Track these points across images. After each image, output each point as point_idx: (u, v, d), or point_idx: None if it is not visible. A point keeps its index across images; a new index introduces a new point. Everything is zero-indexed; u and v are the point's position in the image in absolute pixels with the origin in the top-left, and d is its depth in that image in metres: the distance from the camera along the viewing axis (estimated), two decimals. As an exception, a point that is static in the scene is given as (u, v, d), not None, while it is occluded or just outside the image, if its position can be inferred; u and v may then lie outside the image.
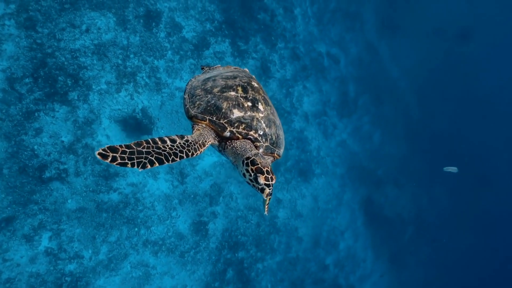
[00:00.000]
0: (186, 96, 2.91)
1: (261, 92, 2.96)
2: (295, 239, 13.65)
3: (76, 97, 9.19)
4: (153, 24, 10.88)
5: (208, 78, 3.02)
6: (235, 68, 3.46)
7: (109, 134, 9.64)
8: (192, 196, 10.84)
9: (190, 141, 2.41)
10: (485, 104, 24.84)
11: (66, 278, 8.65)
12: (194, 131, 2.64)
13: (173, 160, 2.21)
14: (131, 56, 10.23)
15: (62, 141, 8.84)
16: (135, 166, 2.03)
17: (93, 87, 9.52)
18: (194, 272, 10.96)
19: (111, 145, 2.04)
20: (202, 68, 3.74)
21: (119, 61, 9.99)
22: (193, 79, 3.18)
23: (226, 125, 2.58)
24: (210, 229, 11.24)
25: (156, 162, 2.12)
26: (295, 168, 13.89)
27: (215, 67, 3.63)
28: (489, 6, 25.87)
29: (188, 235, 10.80)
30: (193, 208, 10.86)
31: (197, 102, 2.71)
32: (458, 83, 24.43)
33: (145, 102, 10.15)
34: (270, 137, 2.76)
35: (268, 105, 2.91)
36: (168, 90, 10.69)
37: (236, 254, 11.82)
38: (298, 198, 13.98)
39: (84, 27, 9.57)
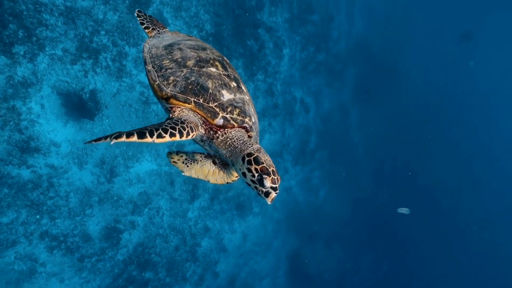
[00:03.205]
0: (149, 67, 2.26)
1: (234, 70, 2.49)
2: (211, 273, 12.83)
3: (22, 52, 8.13)
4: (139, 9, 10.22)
5: (171, 46, 2.42)
6: (189, 36, 2.87)
7: (45, 104, 8.57)
8: (115, 198, 9.83)
9: (183, 119, 1.97)
10: (432, 191, 26.21)
11: None
12: (174, 115, 2.07)
13: (159, 136, 1.77)
14: (102, 32, 9.41)
15: (-15, 95, 7.66)
16: (109, 138, 1.64)
17: (47, 49, 8.52)
18: (89, 281, 9.73)
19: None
20: (139, 16, 2.95)
21: (86, 33, 9.12)
22: (147, 45, 2.51)
23: (218, 110, 2.07)
24: (123, 239, 10.17)
25: (135, 135, 1.70)
26: (235, 200, 13.35)
27: (164, 30, 2.91)
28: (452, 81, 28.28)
29: (96, 238, 9.66)
30: (112, 211, 9.81)
31: (171, 78, 2.14)
32: (412, 165, 25.72)
33: (99, 85, 9.26)
34: (256, 125, 2.33)
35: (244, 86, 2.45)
36: (129, 80, 9.90)
37: (143, 274, 10.75)
38: (228, 232, 13.33)
39: (60, -15, 8.69)
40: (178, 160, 2.56)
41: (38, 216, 8.74)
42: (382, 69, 22.27)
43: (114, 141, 1.64)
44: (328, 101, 19.37)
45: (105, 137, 1.64)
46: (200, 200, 11.98)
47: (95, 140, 1.62)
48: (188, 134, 1.91)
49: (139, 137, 1.71)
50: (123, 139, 1.66)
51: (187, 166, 2.54)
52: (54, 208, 8.93)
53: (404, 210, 12.41)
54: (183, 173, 2.56)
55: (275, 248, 16.04)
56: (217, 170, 2.57)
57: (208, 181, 2.57)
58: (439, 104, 27.69)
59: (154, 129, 1.78)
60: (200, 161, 2.55)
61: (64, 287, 9.33)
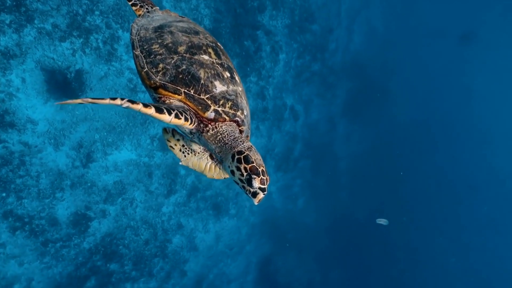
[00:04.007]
0: (137, 52, 2.07)
1: (228, 57, 2.32)
2: (179, 271, 12.57)
3: (7, 21, 7.75)
4: (137, -5, 9.94)
5: (161, 28, 2.22)
6: (181, 17, 2.65)
7: (27, 79, 8.20)
8: (89, 184, 9.49)
9: (185, 108, 1.94)
10: (410, 210, 26.61)
11: None
12: None
13: (176, 116, 1.75)
14: (96, 12, 9.10)
15: (-38, 60, 7.25)
16: (119, 100, 1.55)
17: (36, 21, 8.17)
18: (51, 267, 9.34)
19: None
20: None
21: (80, 11, 8.80)
22: (136, 26, 2.28)
23: (209, 103, 1.96)
24: (92, 227, 9.83)
25: (153, 109, 1.67)
26: (212, 200, 13.16)
27: (154, 8, 2.64)
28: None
29: (63, 223, 9.29)
30: (84, 197, 9.47)
31: (161, 65, 1.98)
32: (393, 183, 26.08)
33: (86, 66, 8.94)
34: (248, 118, 2.20)
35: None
36: (118, 65, 9.61)
37: (108, 265, 10.42)
38: (201, 231, 13.11)
39: (58, -42, 8.36)
40: (175, 145, 2.42)
41: (4, 194, 8.33)
42: (374, 88, 22.53)
43: (127, 104, 1.55)
44: (318, 112, 19.42)
45: (113, 99, 1.53)
46: (176, 196, 11.74)
47: (96, 100, 1.49)
48: (193, 123, 1.88)
49: (156, 111, 1.66)
50: (139, 107, 1.58)
51: (185, 156, 2.43)
52: (22, 187, 8.54)
53: (382, 221, 12.63)
54: (180, 163, 2.46)
55: (247, 252, 15.90)
56: (213, 166, 2.48)
57: (205, 176, 2.49)
58: (426, 129, 28.25)
59: (170, 109, 1.74)
60: (198, 153, 2.44)
61: (22, 270, 8.92)
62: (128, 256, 10.72)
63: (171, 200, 11.63)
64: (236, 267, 15.35)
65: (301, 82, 17.40)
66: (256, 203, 1.84)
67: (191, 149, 2.43)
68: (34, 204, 8.80)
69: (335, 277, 22.24)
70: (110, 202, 9.93)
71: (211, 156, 2.45)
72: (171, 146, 2.43)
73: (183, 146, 2.42)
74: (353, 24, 21.89)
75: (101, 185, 9.71)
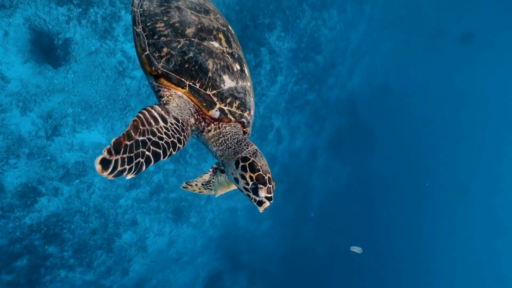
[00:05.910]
0: (139, 29, 1.78)
1: (239, 44, 2.10)
2: (120, 269, 11.88)
3: (5, -29, 7.33)
4: (150, -20, 9.69)
5: (168, 1, 1.90)
6: None
7: (10, 33, 7.72)
8: (48, 158, 8.91)
9: (180, 120, 1.64)
10: (374, 253, 26.61)
11: None
12: (164, 98, 1.69)
13: (170, 155, 1.54)
14: (103, -13, 8.78)
15: None
16: (132, 173, 1.43)
17: (36, -21, 7.77)
18: (-19, 236, 8.60)
19: (117, 139, 1.43)
20: None
21: (86, -19, 8.46)
22: None
23: (215, 100, 1.74)
24: (39, 203, 9.17)
25: (152, 159, 1.48)
26: (175, 203, 12.65)
27: None
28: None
29: (8, 192, 8.62)
30: (39, 170, 8.86)
31: (165, 49, 1.70)
32: (359, 223, 26.10)
33: (78, 37, 8.53)
34: (253, 116, 2.02)
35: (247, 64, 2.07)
36: (112, 44, 9.23)
37: (46, 246, 9.71)
38: (156, 232, 12.52)
39: None
40: (199, 189, 2.39)
41: (-49, 147, 7.68)
42: (361, 130, 22.81)
43: (135, 175, 1.47)
44: (302, 140, 19.38)
45: (128, 169, 1.44)
46: (138, 191, 11.21)
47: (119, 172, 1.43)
48: (184, 144, 1.64)
49: (156, 159, 1.50)
50: (144, 168, 1.45)
51: (211, 189, 2.41)
52: (-26, 144, 7.91)
53: (356, 249, 12.19)
54: (216, 196, 2.42)
55: (197, 264, 15.31)
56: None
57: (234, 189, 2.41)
58: (405, 180, 28.69)
59: (166, 146, 1.53)
60: (213, 179, 2.37)
61: (-51, 233, 8.17)
62: (70, 242, 10.04)
63: (131, 193, 11.09)
64: (182, 277, 14.71)
65: (293, 107, 17.37)
66: (261, 211, 1.76)
67: (207, 181, 2.38)
68: (-18, 165, 8.15)
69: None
70: (66, 181, 9.33)
71: (221, 171, 2.31)
72: (199, 191, 2.41)
73: (202, 185, 2.39)
74: (356, 64, 22.29)
75: (61, 162, 9.13)
